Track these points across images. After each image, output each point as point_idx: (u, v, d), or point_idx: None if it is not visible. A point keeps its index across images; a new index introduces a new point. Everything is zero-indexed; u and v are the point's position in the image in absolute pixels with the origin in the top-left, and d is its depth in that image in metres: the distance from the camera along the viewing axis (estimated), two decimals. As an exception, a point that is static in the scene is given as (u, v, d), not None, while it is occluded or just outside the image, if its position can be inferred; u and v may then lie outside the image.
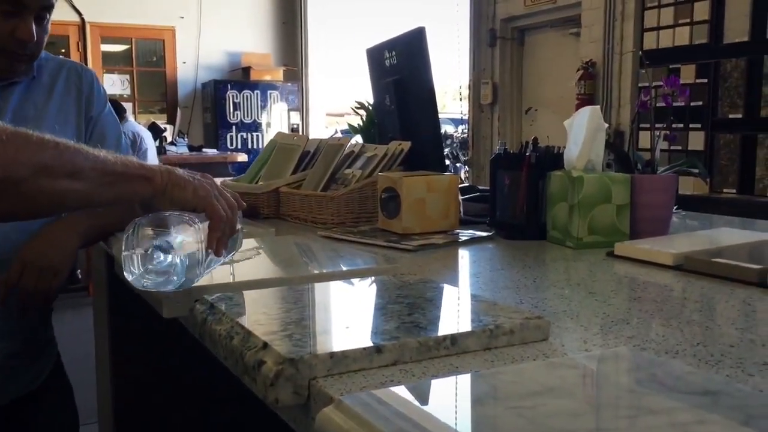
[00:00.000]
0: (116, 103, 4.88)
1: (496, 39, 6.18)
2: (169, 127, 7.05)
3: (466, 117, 6.90)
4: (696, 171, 1.40)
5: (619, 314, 0.86)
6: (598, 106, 1.36)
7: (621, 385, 0.59)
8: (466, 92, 6.71)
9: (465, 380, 0.61)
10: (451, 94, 8.56)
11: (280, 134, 1.98)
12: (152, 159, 5.07)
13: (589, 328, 0.80)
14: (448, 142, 8.51)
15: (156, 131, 6.00)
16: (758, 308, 0.90)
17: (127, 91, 8.02)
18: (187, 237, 0.83)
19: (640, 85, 4.56)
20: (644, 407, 0.52)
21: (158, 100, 8.27)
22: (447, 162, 8.13)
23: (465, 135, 7.40)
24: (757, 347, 0.73)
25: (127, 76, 8.05)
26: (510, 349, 0.72)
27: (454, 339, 0.69)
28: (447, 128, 9.55)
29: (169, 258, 0.82)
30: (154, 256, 0.83)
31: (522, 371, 0.61)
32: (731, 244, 1.21)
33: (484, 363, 0.67)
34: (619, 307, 0.91)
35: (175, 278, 0.82)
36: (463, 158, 7.76)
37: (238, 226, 0.95)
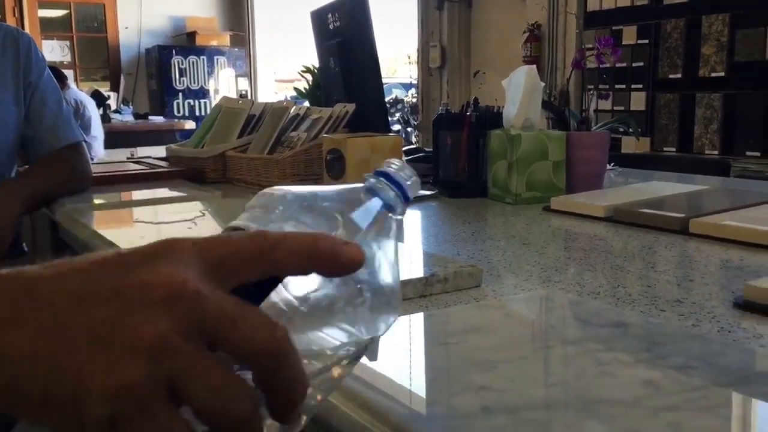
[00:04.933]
0: (57, 71, 4.74)
1: (444, 2, 6.17)
2: (112, 94, 6.88)
3: (416, 81, 6.91)
4: (629, 128, 1.46)
5: (549, 262, 0.91)
6: (534, 66, 1.40)
7: (541, 322, 0.64)
8: (415, 57, 6.70)
9: (398, 322, 0.65)
10: (403, 59, 8.54)
11: (225, 98, 1.98)
12: (96, 127, 4.97)
13: (520, 275, 0.85)
14: (399, 106, 8.52)
15: (99, 99, 5.85)
16: (678, 253, 0.96)
17: (68, 58, 7.78)
18: None
19: (583, 46, 4.64)
20: (560, 339, 0.57)
21: (100, 66, 8.04)
22: (398, 127, 8.16)
23: (415, 99, 7.41)
24: (672, 287, 0.78)
25: (67, 42, 7.79)
26: (444, 295, 0.76)
27: (390, 287, 0.73)
28: (398, 93, 9.54)
29: None
30: None
31: (452, 313, 0.65)
32: (658, 196, 1.27)
33: (419, 308, 0.71)
34: (550, 256, 0.96)
35: None
36: (414, 122, 7.78)
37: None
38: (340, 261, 0.33)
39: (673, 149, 4.12)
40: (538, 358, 0.52)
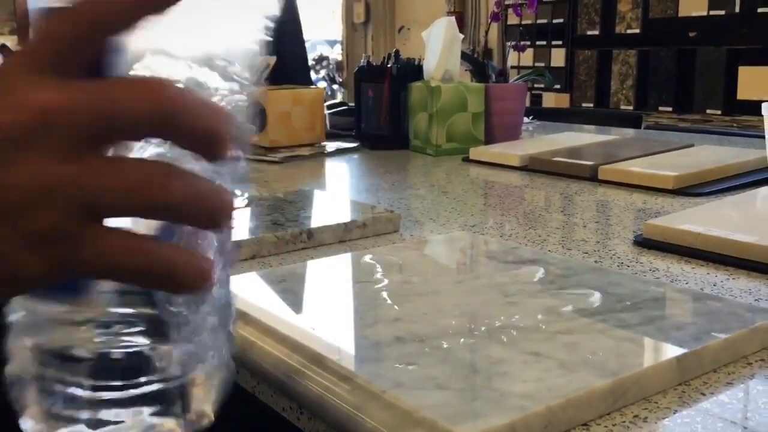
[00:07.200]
0: (-42, 23, 4.47)
1: (368, -45, 6.10)
2: (22, 49, 6.54)
3: (340, 38, 6.83)
4: (544, 78, 1.50)
5: (466, 209, 0.94)
6: (453, 18, 1.41)
7: (453, 259, 0.66)
8: (339, 12, 6.62)
9: (316, 264, 0.66)
10: (329, 15, 8.43)
11: (141, 51, 1.92)
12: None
13: (438, 221, 0.87)
14: (324, 63, 8.42)
15: (8, 55, 5.56)
16: (586, 198, 1.01)
17: (-29, 10, 7.33)
18: None
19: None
20: (471, 273, 0.59)
21: (7, 19, 7.61)
22: (324, 84, 8.08)
23: (340, 56, 7.34)
24: (579, 228, 0.82)
25: (-31, -6, 7.34)
26: (363, 240, 0.77)
27: (310, 233, 0.74)
28: (323, 50, 9.42)
29: None
30: None
31: (369, 254, 0.67)
32: (571, 146, 1.32)
33: (339, 253, 0.73)
34: (467, 202, 0.99)
35: None
36: (339, 80, 7.71)
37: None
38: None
39: (591, 105, 4.25)
40: (449, 292, 0.55)
